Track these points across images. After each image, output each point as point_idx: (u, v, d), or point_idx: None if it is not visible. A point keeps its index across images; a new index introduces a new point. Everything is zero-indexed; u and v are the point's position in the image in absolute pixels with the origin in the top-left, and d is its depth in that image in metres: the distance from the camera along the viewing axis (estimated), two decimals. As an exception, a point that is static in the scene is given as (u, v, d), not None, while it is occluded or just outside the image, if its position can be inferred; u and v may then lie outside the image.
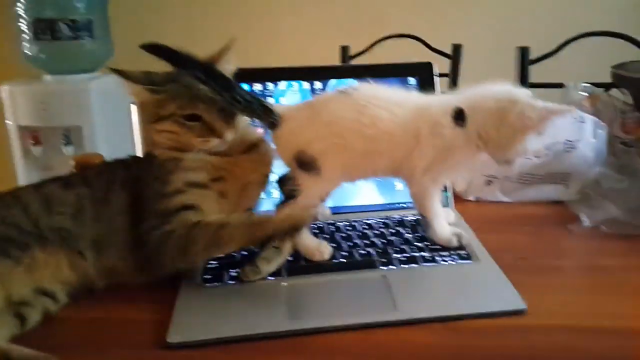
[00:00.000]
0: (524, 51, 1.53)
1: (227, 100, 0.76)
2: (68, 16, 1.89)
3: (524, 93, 0.76)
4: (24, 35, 1.93)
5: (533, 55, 1.53)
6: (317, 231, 0.88)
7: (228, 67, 0.83)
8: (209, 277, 0.76)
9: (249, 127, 0.88)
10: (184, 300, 0.71)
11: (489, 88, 0.78)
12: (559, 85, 1.26)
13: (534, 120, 0.73)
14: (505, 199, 1.06)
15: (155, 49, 0.76)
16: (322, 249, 0.80)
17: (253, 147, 0.85)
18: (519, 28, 2.12)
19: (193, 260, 0.73)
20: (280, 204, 0.80)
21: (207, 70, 0.77)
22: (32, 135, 1.89)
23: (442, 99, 0.80)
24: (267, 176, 0.86)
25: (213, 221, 0.72)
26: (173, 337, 0.63)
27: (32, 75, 2.01)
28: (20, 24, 1.92)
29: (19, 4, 1.90)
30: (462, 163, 0.80)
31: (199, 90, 0.78)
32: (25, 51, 1.94)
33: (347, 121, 0.77)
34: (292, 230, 0.71)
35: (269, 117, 0.78)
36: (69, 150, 1.85)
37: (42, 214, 0.74)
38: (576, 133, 1.02)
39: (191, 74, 0.77)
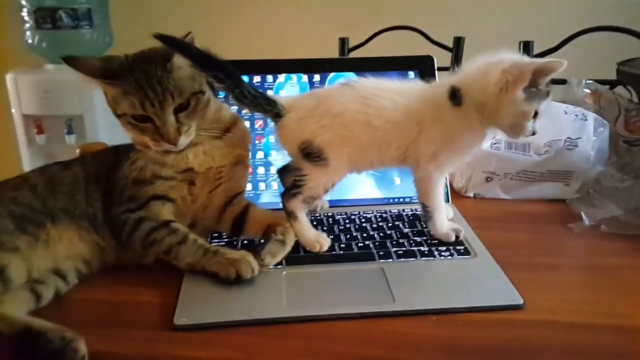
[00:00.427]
0: (527, 45, 1.52)
1: (236, 96, 0.76)
2: (68, 5, 1.89)
3: (514, 55, 0.77)
4: (26, 24, 1.94)
5: (536, 49, 1.53)
6: (316, 223, 0.89)
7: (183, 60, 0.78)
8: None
9: (224, 107, 0.87)
10: (189, 284, 0.73)
11: (484, 59, 0.79)
12: (562, 82, 1.26)
13: (514, 74, 0.73)
14: (505, 196, 1.06)
15: (169, 41, 0.74)
16: (321, 241, 0.81)
17: (229, 128, 0.85)
18: (523, 21, 2.11)
19: (150, 254, 0.76)
20: (284, 194, 0.81)
21: (220, 67, 0.76)
22: (36, 124, 1.90)
23: (440, 82, 0.82)
24: (242, 157, 0.87)
25: (179, 232, 0.76)
26: (180, 319, 0.65)
27: (35, 64, 2.01)
28: (22, 13, 1.92)
29: (21, -7, 1.90)
30: (467, 147, 0.80)
31: (151, 90, 0.75)
32: (28, 40, 1.95)
33: (353, 113, 0.78)
34: (226, 277, 0.73)
35: (273, 109, 0.79)
36: (71, 139, 1.86)
37: (47, 194, 0.78)
38: (578, 130, 1.02)
39: (202, 69, 0.75)
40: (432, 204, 0.82)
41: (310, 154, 0.78)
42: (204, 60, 0.75)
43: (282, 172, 0.88)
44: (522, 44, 1.51)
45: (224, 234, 0.87)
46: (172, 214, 0.79)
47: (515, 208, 1.02)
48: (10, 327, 0.62)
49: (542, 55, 1.52)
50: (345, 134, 0.77)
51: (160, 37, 0.73)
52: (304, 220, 0.81)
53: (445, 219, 0.84)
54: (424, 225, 0.87)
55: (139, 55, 0.78)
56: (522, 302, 0.67)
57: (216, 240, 0.86)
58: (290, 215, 0.80)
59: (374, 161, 0.82)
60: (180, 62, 0.76)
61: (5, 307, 0.65)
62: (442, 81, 0.82)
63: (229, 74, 0.76)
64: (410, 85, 0.83)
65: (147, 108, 0.75)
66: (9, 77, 1.90)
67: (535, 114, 0.75)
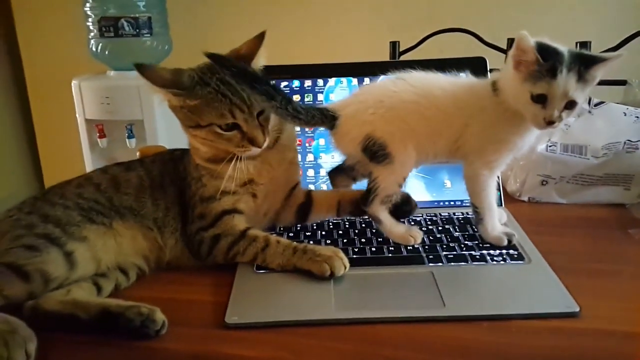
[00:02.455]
0: (584, 46, 1.47)
1: (290, 113, 0.77)
2: (130, 14, 1.97)
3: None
4: (90, 33, 2.03)
5: (594, 50, 1.47)
6: (365, 225, 0.90)
7: (261, 61, 0.82)
8: (261, 264, 0.79)
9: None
10: (239, 284, 0.75)
11: None
12: (622, 83, 1.21)
13: (511, 53, 0.72)
14: (561, 201, 1.03)
15: (220, 60, 0.76)
16: (413, 234, 0.82)
17: (279, 136, 0.87)
18: (579, 22, 2.04)
19: (237, 261, 0.80)
20: (363, 204, 0.82)
21: (270, 86, 0.76)
22: (98, 128, 1.99)
23: (486, 77, 0.82)
24: (293, 158, 0.90)
25: (259, 237, 0.79)
26: (231, 318, 0.67)
27: (98, 71, 2.11)
28: (88, 22, 2.02)
29: (87, 4, 2.00)
30: (511, 140, 0.78)
31: (237, 97, 0.77)
32: (92, 48, 2.04)
33: (406, 103, 0.78)
34: (321, 274, 0.74)
35: (329, 116, 0.80)
36: (132, 143, 1.93)
37: (112, 192, 0.83)
38: (638, 133, 0.98)
39: (252, 88, 0.76)
40: (482, 205, 0.81)
41: (375, 153, 0.78)
42: (253, 80, 0.76)
43: (333, 173, 0.90)
44: (578, 44, 1.46)
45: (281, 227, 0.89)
46: (245, 222, 0.82)
47: (572, 213, 0.99)
48: (87, 311, 0.67)
49: (601, 55, 1.47)
50: (401, 125, 0.78)
51: (211, 56, 0.75)
52: (387, 219, 0.82)
53: (497, 223, 0.83)
54: (475, 229, 0.85)
55: (208, 68, 0.79)
56: (578, 309, 0.65)
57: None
58: (375, 220, 0.82)
59: (429, 153, 0.81)
60: (258, 65, 0.80)
61: (73, 296, 0.70)
62: (489, 75, 0.83)
63: (279, 92, 0.77)
64: (460, 78, 0.83)
65: (236, 115, 0.77)
66: (73, 84, 2.00)
67: (571, 104, 0.72)
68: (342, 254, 0.75)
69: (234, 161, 0.79)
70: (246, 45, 0.81)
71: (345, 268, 0.74)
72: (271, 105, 0.76)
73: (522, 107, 0.74)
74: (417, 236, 0.82)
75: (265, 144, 0.80)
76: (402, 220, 0.85)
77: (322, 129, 0.83)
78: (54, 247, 0.72)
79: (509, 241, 0.81)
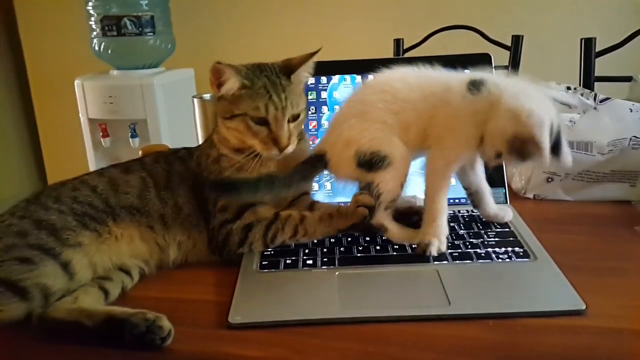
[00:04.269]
0: (589, 42, 1.46)
1: (293, 186, 0.81)
2: (132, 12, 1.97)
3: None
4: (93, 32, 2.04)
5: (599, 46, 1.46)
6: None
7: (306, 75, 0.86)
8: (265, 263, 0.79)
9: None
10: (242, 283, 0.74)
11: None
12: (627, 79, 1.21)
13: None
14: (567, 198, 1.02)
15: (220, 189, 0.81)
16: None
17: (300, 140, 0.88)
18: (584, 18, 2.03)
19: (277, 242, 0.82)
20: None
21: (265, 182, 0.79)
22: (101, 127, 1.99)
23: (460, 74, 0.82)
24: None
25: (292, 214, 0.82)
26: (234, 318, 0.67)
27: (102, 71, 2.11)
28: (90, 21, 2.03)
29: (89, 3, 2.00)
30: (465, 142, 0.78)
31: (276, 95, 0.80)
32: (94, 47, 2.05)
33: (374, 104, 0.80)
34: (361, 219, 0.79)
35: (320, 163, 0.82)
36: (135, 142, 1.94)
37: (110, 193, 0.82)
38: (644, 129, 0.97)
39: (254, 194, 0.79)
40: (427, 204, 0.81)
41: (371, 162, 0.78)
42: (255, 187, 0.79)
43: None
44: (583, 41, 1.46)
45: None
46: (272, 210, 0.83)
47: (577, 210, 0.98)
48: (93, 318, 0.65)
49: (605, 52, 1.46)
50: (378, 127, 0.79)
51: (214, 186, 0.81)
52: (394, 226, 0.81)
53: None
54: (480, 226, 0.86)
55: (259, 66, 0.84)
56: (584, 307, 0.65)
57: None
58: (381, 229, 0.82)
59: (409, 146, 0.81)
60: (301, 77, 0.85)
61: (79, 303, 0.69)
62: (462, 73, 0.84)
63: (273, 182, 0.80)
64: (428, 71, 0.83)
65: (270, 111, 0.80)
66: (76, 83, 2.00)
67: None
68: (359, 195, 0.80)
69: (256, 159, 0.82)
70: (298, 58, 0.85)
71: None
72: (273, 192, 0.80)
73: None
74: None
75: (288, 149, 0.82)
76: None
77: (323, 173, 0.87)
78: (49, 258, 0.70)
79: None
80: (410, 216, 0.84)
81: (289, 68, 0.84)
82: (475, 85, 0.77)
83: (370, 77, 0.84)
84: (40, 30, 2.49)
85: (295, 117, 0.83)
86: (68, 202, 0.79)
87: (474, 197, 0.87)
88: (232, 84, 0.81)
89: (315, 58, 0.86)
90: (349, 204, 0.84)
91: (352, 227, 0.81)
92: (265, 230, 0.80)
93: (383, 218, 0.81)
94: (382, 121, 0.79)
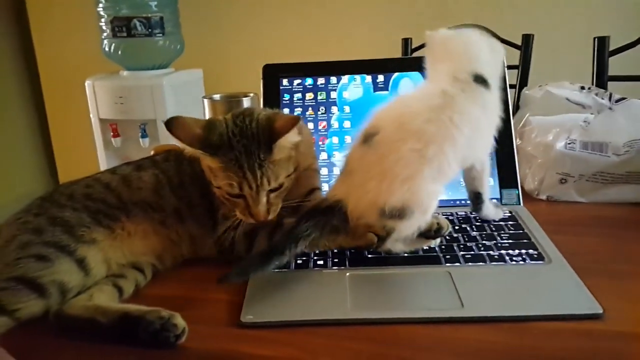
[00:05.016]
0: (602, 41, 1.44)
1: (308, 242, 0.72)
2: (142, 14, 1.98)
3: None
4: (103, 33, 2.04)
5: (613, 45, 1.44)
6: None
7: (289, 142, 0.77)
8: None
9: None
10: (254, 283, 0.74)
11: None
12: (643, 78, 1.19)
13: None
14: (581, 199, 1.01)
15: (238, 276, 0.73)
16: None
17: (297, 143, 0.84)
18: (597, 16, 2.00)
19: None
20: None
21: (282, 246, 0.71)
22: (112, 127, 2.00)
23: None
24: (310, 164, 0.88)
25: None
26: (246, 316, 0.66)
27: (111, 71, 2.12)
28: (100, 22, 2.03)
29: (100, 4, 2.01)
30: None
31: (251, 173, 0.74)
32: (105, 47, 2.05)
33: (406, 154, 0.71)
34: (368, 245, 0.76)
35: (337, 213, 0.74)
36: (145, 142, 1.94)
37: (123, 189, 0.82)
38: (662, 129, 0.96)
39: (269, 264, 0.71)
40: (484, 190, 0.83)
41: (396, 215, 0.72)
42: (270, 256, 0.71)
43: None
44: (596, 40, 1.44)
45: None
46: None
47: (592, 212, 0.97)
48: (108, 316, 0.66)
49: (619, 51, 1.44)
50: (409, 184, 0.71)
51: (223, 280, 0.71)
52: (402, 247, 0.78)
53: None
54: (493, 228, 0.85)
55: (242, 128, 0.76)
56: (601, 311, 0.64)
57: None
58: (387, 253, 0.78)
59: (449, 171, 0.75)
60: (286, 142, 0.76)
61: (95, 301, 0.70)
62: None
63: (290, 241, 0.71)
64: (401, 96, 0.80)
65: (244, 189, 0.75)
66: (87, 84, 2.01)
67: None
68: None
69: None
70: (281, 123, 0.76)
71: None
72: (290, 253, 0.72)
73: None
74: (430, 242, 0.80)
75: (269, 218, 0.78)
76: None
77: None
78: (64, 255, 0.71)
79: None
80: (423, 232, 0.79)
81: (271, 134, 0.75)
82: (481, 80, 0.77)
83: (377, 136, 0.74)
84: (51, 32, 2.51)
85: (276, 188, 0.78)
86: (82, 199, 0.79)
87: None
88: (192, 151, 0.76)
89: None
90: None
91: (355, 248, 0.79)
92: (268, 237, 0.79)
93: (392, 245, 0.77)
94: (418, 174, 0.71)
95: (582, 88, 1.07)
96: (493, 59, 0.81)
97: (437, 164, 0.72)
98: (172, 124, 0.75)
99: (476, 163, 0.81)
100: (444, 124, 0.73)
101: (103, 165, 2.05)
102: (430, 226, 0.78)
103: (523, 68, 1.66)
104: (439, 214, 0.81)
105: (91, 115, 2.04)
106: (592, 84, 1.41)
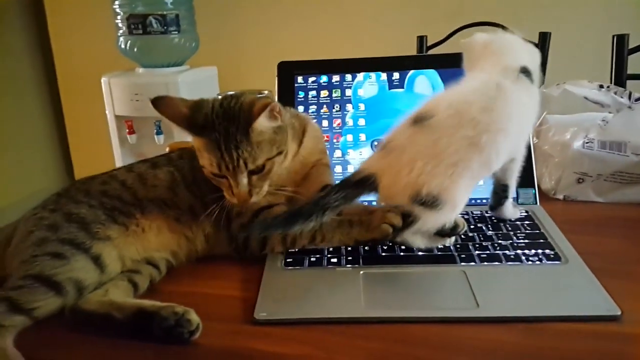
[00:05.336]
0: (621, 39, 1.42)
1: (334, 209, 0.72)
2: (157, 11, 1.99)
3: None
4: (119, 30, 2.06)
5: (632, 43, 1.42)
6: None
7: (269, 124, 0.77)
8: (290, 260, 0.78)
9: (295, 120, 0.87)
10: (268, 280, 0.74)
11: None
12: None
13: None
14: (598, 199, 0.99)
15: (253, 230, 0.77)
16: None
17: (301, 140, 0.87)
18: (615, 15, 1.97)
19: (296, 246, 0.80)
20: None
21: (308, 210, 0.71)
22: (127, 124, 2.01)
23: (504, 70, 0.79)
24: (320, 159, 0.88)
25: None
26: (260, 314, 0.66)
27: (128, 68, 2.14)
28: (117, 20, 2.05)
29: (116, 2, 2.02)
30: None
31: (227, 154, 0.75)
32: (121, 45, 2.07)
33: (455, 139, 0.71)
34: (384, 237, 0.75)
35: (369, 188, 0.74)
36: (160, 139, 1.96)
37: (138, 186, 0.82)
38: (682, 129, 0.94)
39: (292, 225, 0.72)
40: (513, 184, 0.83)
41: (427, 202, 0.71)
42: (295, 218, 0.71)
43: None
44: (615, 37, 1.42)
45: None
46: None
47: (610, 212, 0.95)
48: (122, 311, 0.66)
49: (638, 49, 1.42)
50: (449, 170, 0.71)
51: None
52: (420, 240, 0.78)
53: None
54: (509, 228, 0.84)
55: (225, 107, 0.77)
56: (619, 313, 0.63)
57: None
58: (404, 244, 0.78)
59: (492, 164, 0.75)
60: (263, 126, 0.76)
61: (110, 296, 0.70)
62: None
63: (319, 209, 0.71)
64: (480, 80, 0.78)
65: (222, 169, 0.77)
66: (103, 81, 2.03)
67: None
68: (388, 211, 0.75)
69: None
70: (258, 106, 0.76)
71: (398, 215, 0.74)
72: (317, 221, 0.72)
73: None
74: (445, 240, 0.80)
75: (253, 200, 0.78)
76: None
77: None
78: (80, 253, 0.71)
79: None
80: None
81: (247, 117, 0.75)
82: (527, 72, 0.78)
83: (433, 119, 0.73)
84: (68, 30, 2.53)
85: (258, 169, 0.78)
86: (98, 196, 0.80)
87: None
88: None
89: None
90: (373, 209, 0.81)
91: (370, 241, 0.78)
92: (283, 236, 0.79)
93: (409, 236, 0.77)
94: (464, 163, 0.71)
95: (601, 86, 1.06)
96: (531, 56, 0.83)
97: (486, 154, 0.72)
98: (159, 103, 0.77)
99: (518, 154, 0.81)
100: (498, 115, 0.73)
101: (118, 162, 2.06)
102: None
103: (540, 66, 1.64)
104: None
105: (107, 112, 2.06)
106: (611, 83, 1.39)
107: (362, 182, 0.74)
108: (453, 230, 0.77)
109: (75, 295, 0.68)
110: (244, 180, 0.77)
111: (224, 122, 0.76)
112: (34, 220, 0.75)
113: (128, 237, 0.77)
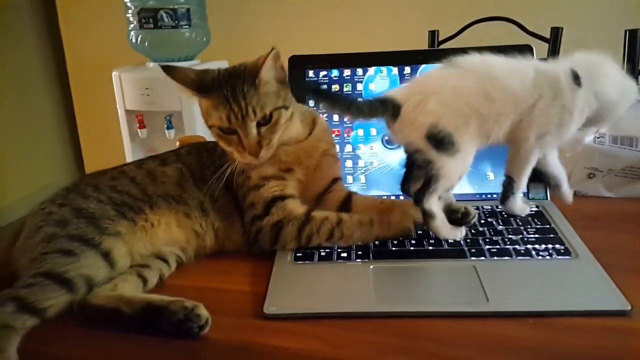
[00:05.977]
0: (633, 34, 1.41)
1: (354, 112, 0.76)
2: (168, 5, 1.99)
3: None
4: (130, 25, 2.07)
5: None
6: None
7: (271, 74, 0.81)
8: (300, 255, 0.79)
9: (306, 112, 0.90)
10: (277, 274, 0.75)
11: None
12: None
13: None
14: (609, 194, 0.99)
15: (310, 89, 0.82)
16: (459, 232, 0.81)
17: (312, 131, 0.88)
18: (629, 8, 1.95)
19: (312, 244, 0.80)
20: (419, 197, 0.78)
21: (332, 95, 0.79)
22: (138, 119, 2.02)
23: (555, 64, 0.82)
24: (327, 149, 0.89)
25: (329, 216, 0.80)
26: (269, 308, 0.67)
27: (138, 62, 2.15)
28: (127, 14, 2.06)
29: (127, -5, 2.03)
30: (572, 129, 0.81)
31: (236, 104, 0.78)
32: (132, 39, 2.08)
33: (470, 87, 0.77)
34: (407, 234, 0.77)
35: (389, 109, 0.77)
36: (171, 134, 1.96)
37: (148, 182, 0.83)
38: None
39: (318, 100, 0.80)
40: (520, 180, 0.83)
41: (440, 141, 0.75)
42: (316, 91, 0.81)
43: (405, 184, 0.85)
44: (628, 33, 1.40)
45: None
46: (301, 204, 0.83)
47: (621, 207, 0.95)
48: (131, 306, 0.66)
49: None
50: (466, 110, 0.76)
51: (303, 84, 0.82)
52: (441, 216, 0.79)
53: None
54: (520, 223, 0.84)
55: (231, 71, 0.82)
56: (629, 307, 0.63)
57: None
58: (427, 215, 0.78)
59: (491, 135, 0.80)
60: (266, 78, 0.80)
61: (119, 291, 0.70)
62: (556, 63, 0.83)
63: (340, 98, 0.78)
64: (519, 60, 0.82)
65: (232, 121, 0.79)
66: (114, 75, 2.03)
67: None
68: (408, 207, 0.78)
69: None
70: (261, 59, 0.80)
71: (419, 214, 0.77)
72: (336, 110, 0.79)
73: None
74: (463, 233, 0.81)
75: (262, 153, 0.80)
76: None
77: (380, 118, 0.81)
78: (89, 249, 0.71)
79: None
80: (450, 214, 0.81)
81: (252, 69, 0.80)
82: (576, 79, 0.79)
83: (466, 61, 0.80)
84: (79, 24, 2.54)
85: (266, 120, 0.80)
86: (107, 191, 0.80)
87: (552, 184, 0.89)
88: (189, 96, 0.82)
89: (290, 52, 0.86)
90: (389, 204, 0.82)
91: (392, 237, 0.80)
92: (298, 232, 0.79)
93: (434, 205, 0.78)
94: (474, 109, 0.77)
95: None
96: (614, 86, 0.83)
97: (494, 115, 0.78)
98: (170, 70, 0.81)
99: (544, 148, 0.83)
100: (515, 95, 0.78)
101: (129, 157, 2.07)
102: (458, 209, 0.80)
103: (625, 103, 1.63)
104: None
105: (117, 107, 2.07)
106: (623, 78, 1.38)
107: (387, 101, 0.77)
108: (465, 217, 0.79)
109: (86, 292, 0.69)
110: (253, 130, 0.79)
111: (231, 80, 0.80)
112: (42, 215, 0.75)
113: (137, 233, 0.77)
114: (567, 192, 0.87)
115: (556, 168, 0.87)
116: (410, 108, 0.76)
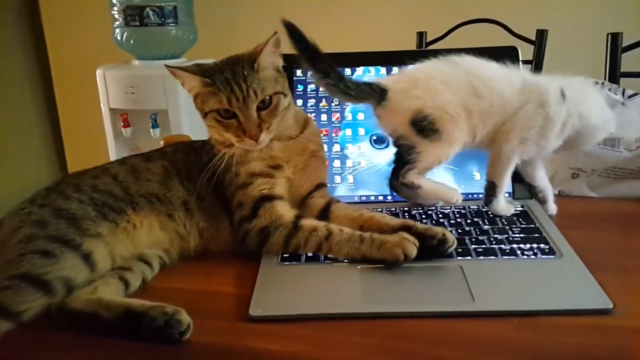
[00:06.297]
0: (615, 38, 1.43)
1: (341, 89, 0.78)
2: (155, 3, 1.97)
3: None
4: (115, 22, 2.04)
5: (626, 42, 1.43)
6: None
7: (271, 59, 0.83)
8: (287, 255, 0.78)
9: (299, 111, 0.91)
10: (263, 276, 0.74)
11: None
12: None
13: None
14: (592, 194, 1.01)
15: (292, 28, 0.81)
16: (456, 193, 0.84)
17: (303, 130, 0.88)
18: (611, 12, 1.98)
19: (299, 253, 0.79)
20: (395, 175, 0.82)
21: (326, 61, 0.79)
22: (123, 117, 2.00)
23: (546, 79, 0.85)
24: (316, 151, 0.89)
25: (318, 226, 0.78)
26: (255, 310, 0.66)
27: (124, 60, 2.12)
28: (113, 11, 2.03)
29: (112, -8, 2.01)
30: (552, 141, 0.83)
31: (237, 87, 0.79)
32: (117, 37, 2.05)
33: (459, 82, 0.80)
34: (394, 260, 0.73)
35: (377, 94, 0.80)
36: (156, 133, 1.94)
37: (131, 181, 0.82)
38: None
39: (309, 63, 0.79)
40: (501, 182, 0.85)
41: (423, 127, 0.78)
42: (312, 54, 0.79)
43: (394, 181, 0.86)
44: (609, 36, 1.42)
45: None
46: (289, 208, 0.82)
47: (603, 207, 0.97)
48: (111, 311, 0.64)
49: (632, 47, 1.43)
50: (454, 100, 0.79)
51: (287, 24, 0.80)
52: (427, 182, 0.83)
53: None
54: (505, 222, 0.85)
55: (229, 59, 0.83)
56: (612, 306, 0.64)
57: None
58: (413, 187, 0.82)
59: (477, 134, 0.83)
60: (265, 63, 0.81)
61: (99, 294, 0.68)
62: (547, 77, 0.86)
63: (334, 71, 0.79)
64: (508, 68, 0.85)
65: (232, 103, 0.79)
66: (98, 73, 2.01)
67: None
68: (407, 235, 0.75)
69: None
70: (260, 45, 0.82)
71: (416, 246, 0.74)
72: (325, 82, 0.79)
73: None
74: (459, 196, 0.85)
75: (262, 137, 0.80)
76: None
77: (366, 104, 0.84)
78: (70, 250, 0.69)
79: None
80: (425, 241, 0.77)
81: (251, 55, 0.82)
82: (563, 95, 0.82)
83: (459, 58, 0.84)
84: (62, 20, 2.51)
85: (266, 104, 0.81)
86: (88, 191, 0.78)
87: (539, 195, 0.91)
88: (190, 84, 0.82)
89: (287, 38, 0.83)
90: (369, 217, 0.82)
91: (379, 261, 0.74)
92: (285, 242, 0.78)
93: (414, 177, 0.81)
94: (462, 101, 0.79)
95: (596, 83, 1.07)
96: (596, 112, 0.86)
97: (483, 106, 0.81)
98: (173, 68, 0.83)
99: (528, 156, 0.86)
100: (502, 98, 0.82)
101: (113, 156, 2.05)
102: (434, 234, 0.76)
103: (537, 63, 1.65)
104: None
105: (102, 105, 2.05)
106: (605, 80, 1.40)
107: (375, 85, 0.79)
108: (441, 245, 0.75)
109: (65, 295, 0.66)
110: (254, 112, 0.80)
111: (231, 66, 0.81)
112: (21, 216, 0.73)
113: (118, 235, 0.76)
114: (552, 207, 0.91)
115: (543, 181, 0.90)
116: (397, 93, 0.79)
